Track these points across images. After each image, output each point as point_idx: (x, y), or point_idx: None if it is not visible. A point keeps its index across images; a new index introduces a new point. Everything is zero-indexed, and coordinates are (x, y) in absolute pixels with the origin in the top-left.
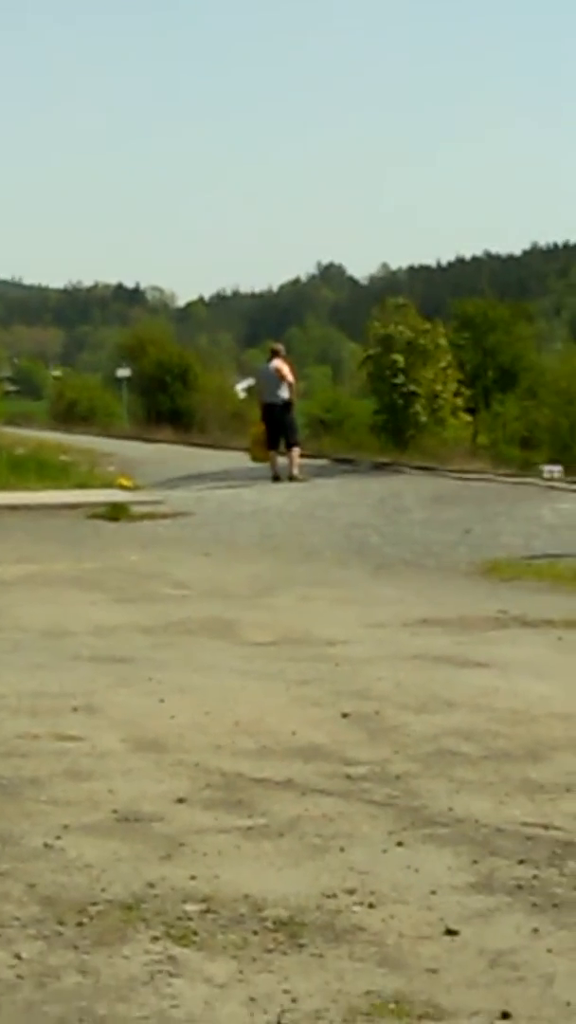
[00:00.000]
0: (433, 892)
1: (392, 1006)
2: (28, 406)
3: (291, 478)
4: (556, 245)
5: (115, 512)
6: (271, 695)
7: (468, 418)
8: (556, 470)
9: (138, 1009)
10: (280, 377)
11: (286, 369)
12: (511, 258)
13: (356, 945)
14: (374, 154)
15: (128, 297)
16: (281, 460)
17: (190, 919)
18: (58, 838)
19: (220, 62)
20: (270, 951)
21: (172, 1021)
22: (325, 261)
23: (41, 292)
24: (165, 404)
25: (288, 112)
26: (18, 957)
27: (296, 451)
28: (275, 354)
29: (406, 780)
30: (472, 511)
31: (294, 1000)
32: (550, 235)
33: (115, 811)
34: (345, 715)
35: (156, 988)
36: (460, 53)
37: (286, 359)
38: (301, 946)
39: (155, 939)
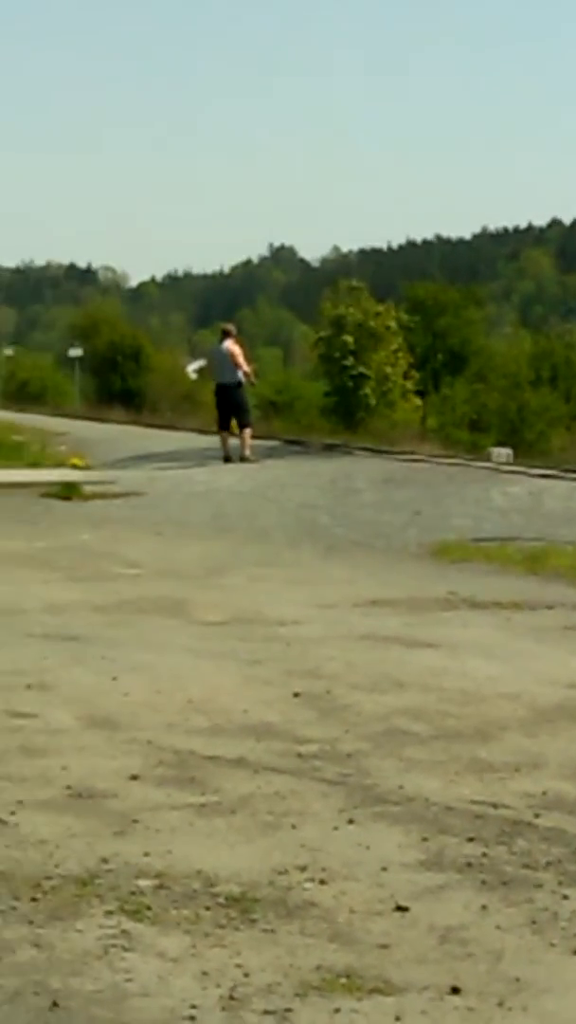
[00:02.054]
0: (384, 869)
1: (343, 981)
2: None
3: (242, 459)
4: (506, 229)
5: (67, 491)
6: (223, 674)
7: (417, 401)
8: (505, 453)
9: (92, 983)
10: (232, 358)
11: (238, 350)
12: (461, 242)
13: (307, 921)
14: (327, 136)
15: (80, 277)
16: (232, 441)
17: (143, 894)
18: (12, 813)
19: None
20: (222, 926)
21: (126, 994)
22: (277, 243)
23: None
24: (117, 384)
25: (240, 88)
26: None
27: (248, 432)
28: (226, 335)
29: (357, 759)
30: (422, 493)
31: (246, 975)
32: (500, 219)
33: (69, 787)
34: (296, 694)
35: (110, 962)
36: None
37: (238, 339)
38: (253, 921)
39: (109, 914)
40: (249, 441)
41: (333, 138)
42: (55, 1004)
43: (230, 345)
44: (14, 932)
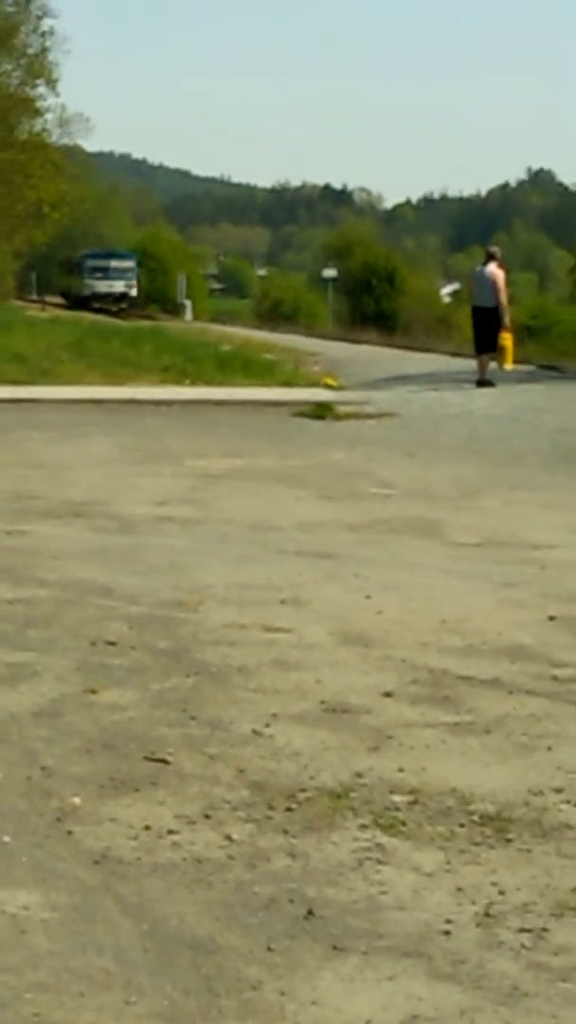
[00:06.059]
0: None
1: None
2: (233, 304)
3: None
4: None
5: (320, 410)
6: (477, 595)
7: None
8: None
9: (347, 894)
10: (494, 282)
11: (501, 275)
12: None
13: (564, 842)
14: None
15: (335, 198)
16: (492, 364)
17: (398, 809)
18: (267, 726)
19: None
20: (477, 844)
21: (381, 906)
22: (535, 166)
23: (248, 190)
24: (370, 306)
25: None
26: (229, 839)
27: (487, 356)
28: (491, 258)
29: None
30: None
31: (501, 892)
32: None
33: (323, 702)
34: (552, 618)
35: (365, 874)
36: None
37: (501, 264)
38: (508, 841)
39: (363, 827)
40: (488, 365)
41: None
42: (310, 913)
43: (494, 269)
44: (269, 841)
